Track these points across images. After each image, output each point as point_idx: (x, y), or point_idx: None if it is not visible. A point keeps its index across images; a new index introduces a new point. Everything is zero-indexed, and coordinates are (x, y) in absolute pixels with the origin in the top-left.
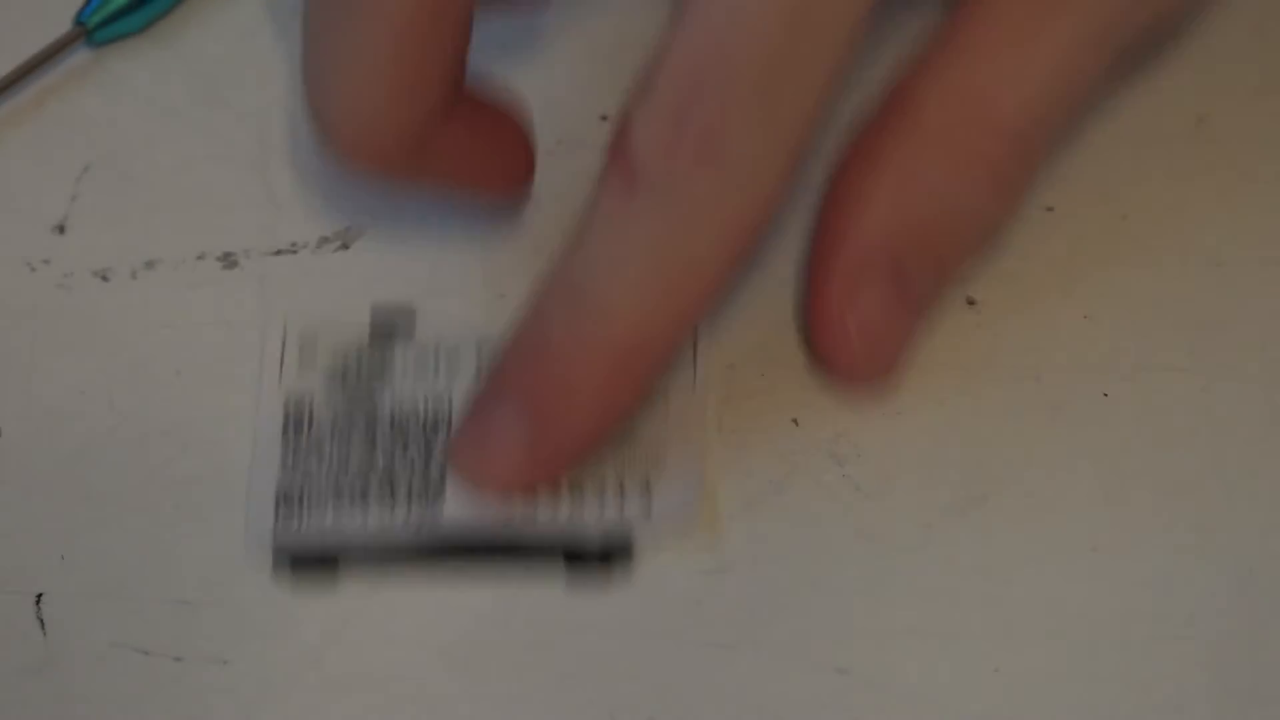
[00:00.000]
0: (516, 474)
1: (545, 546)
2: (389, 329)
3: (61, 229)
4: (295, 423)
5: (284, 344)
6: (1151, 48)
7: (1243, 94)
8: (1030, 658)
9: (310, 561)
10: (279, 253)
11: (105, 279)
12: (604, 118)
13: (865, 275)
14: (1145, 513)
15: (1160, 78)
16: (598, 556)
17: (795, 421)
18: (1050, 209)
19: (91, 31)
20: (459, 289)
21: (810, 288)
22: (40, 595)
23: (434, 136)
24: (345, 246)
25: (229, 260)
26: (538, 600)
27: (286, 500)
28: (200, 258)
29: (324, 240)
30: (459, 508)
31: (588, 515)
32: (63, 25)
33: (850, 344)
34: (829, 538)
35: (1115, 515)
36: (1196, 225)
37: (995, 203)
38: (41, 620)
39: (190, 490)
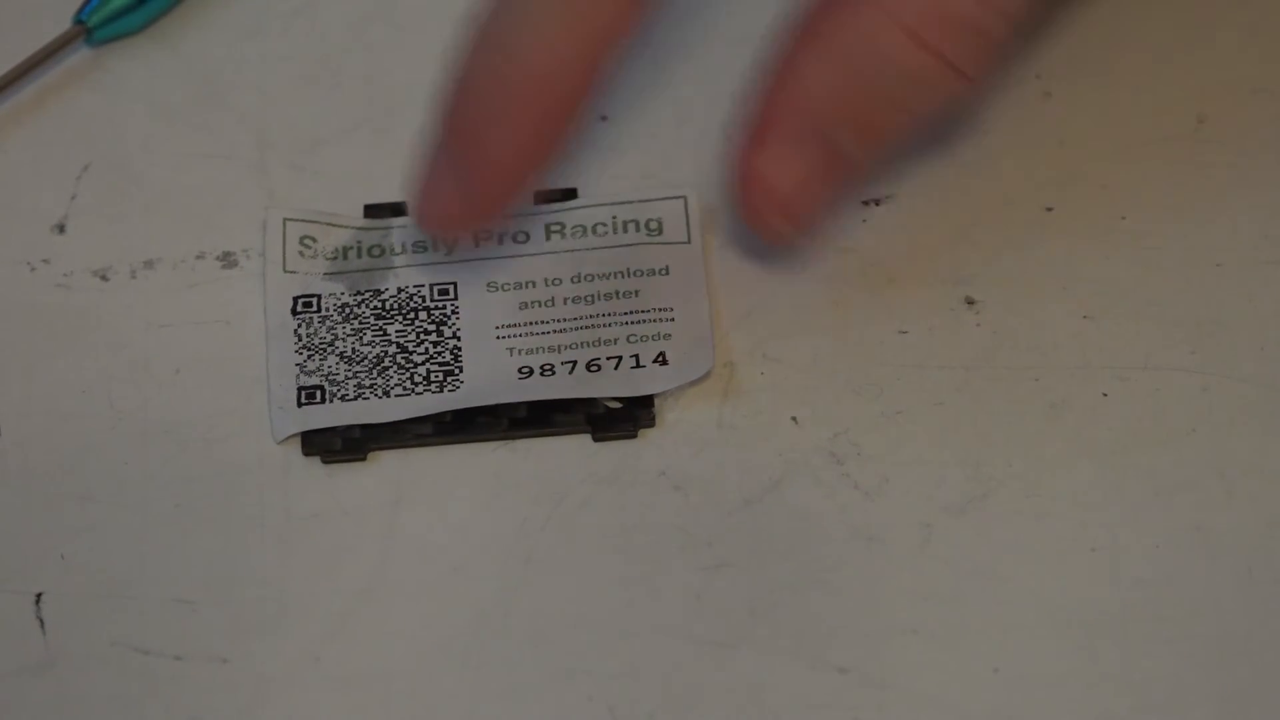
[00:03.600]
0: (454, 213)
1: (569, 415)
2: (383, 217)
3: (61, 228)
4: (305, 309)
5: (284, 236)
6: None
7: (1243, 94)
8: (1030, 658)
9: (338, 445)
10: None
11: (105, 278)
12: (604, 118)
13: (788, 134)
14: (1145, 513)
15: (1160, 78)
16: (621, 417)
17: (795, 420)
18: (1050, 209)
19: (91, 31)
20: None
21: (737, 143)
22: (40, 595)
23: None
24: None
25: (229, 260)
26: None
27: (307, 387)
28: (200, 257)
29: None
30: (478, 380)
31: (608, 387)
32: (62, 24)
33: (767, 201)
34: (829, 537)
35: (1115, 515)
36: (1196, 225)
37: (949, 81)
38: (41, 620)
39: (190, 489)
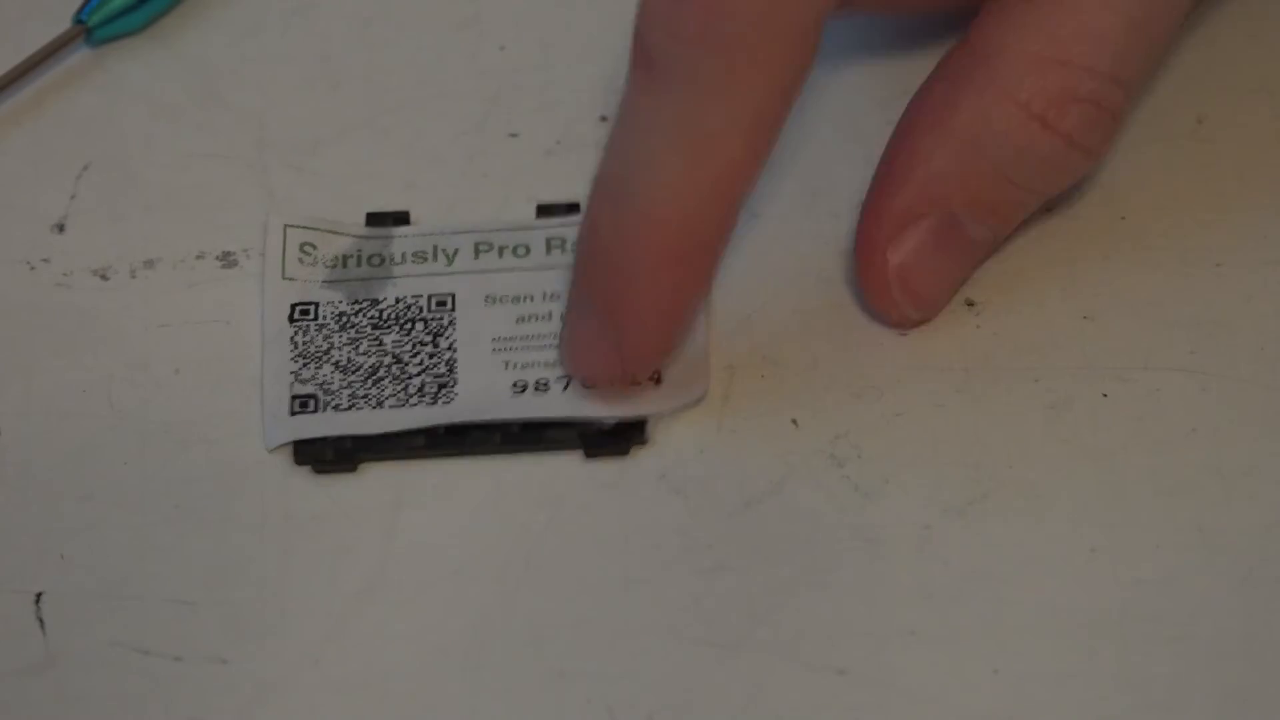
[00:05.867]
0: (616, 373)
1: (562, 432)
2: (385, 226)
3: (61, 228)
4: (302, 317)
5: (284, 243)
6: None
7: (1242, 94)
8: (1030, 658)
9: (329, 455)
10: None
11: (105, 278)
12: (604, 118)
13: (915, 220)
14: (1145, 513)
15: (1160, 78)
16: (614, 435)
17: (795, 422)
18: (1050, 209)
19: (91, 30)
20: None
21: (859, 226)
22: (40, 594)
23: None
24: None
25: (228, 259)
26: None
27: (301, 395)
28: (200, 257)
29: None
30: (471, 394)
31: (602, 407)
32: (62, 24)
33: (893, 285)
34: (828, 538)
35: (1115, 515)
36: (1196, 225)
37: (1074, 159)
38: (41, 620)
39: (190, 490)
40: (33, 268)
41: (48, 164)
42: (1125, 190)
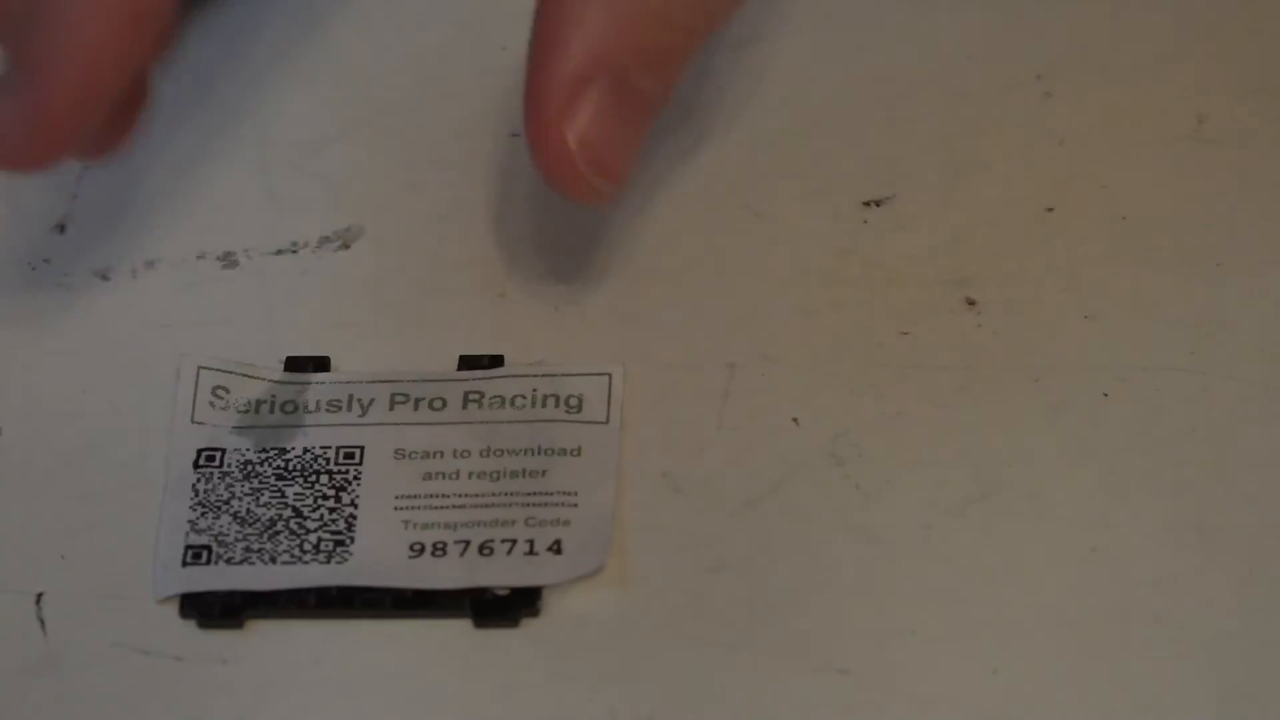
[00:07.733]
0: (23, 146)
1: (453, 599)
2: (302, 373)
3: (62, 228)
4: (207, 464)
5: (196, 385)
6: None
7: (1243, 94)
8: (1030, 658)
9: (217, 609)
10: (279, 252)
11: (105, 278)
12: None
13: (584, 87)
14: (1145, 513)
15: (1160, 78)
16: (505, 605)
17: (795, 421)
18: (1050, 209)
19: None
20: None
21: (527, 108)
22: (40, 595)
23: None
24: (345, 246)
25: (229, 260)
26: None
27: (195, 546)
28: (200, 257)
29: (324, 240)
30: (367, 554)
31: (497, 575)
32: None
33: (571, 158)
34: (829, 537)
35: (1115, 515)
36: (1196, 225)
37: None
38: (41, 620)
39: None
40: (33, 268)
41: None
42: (1125, 190)
